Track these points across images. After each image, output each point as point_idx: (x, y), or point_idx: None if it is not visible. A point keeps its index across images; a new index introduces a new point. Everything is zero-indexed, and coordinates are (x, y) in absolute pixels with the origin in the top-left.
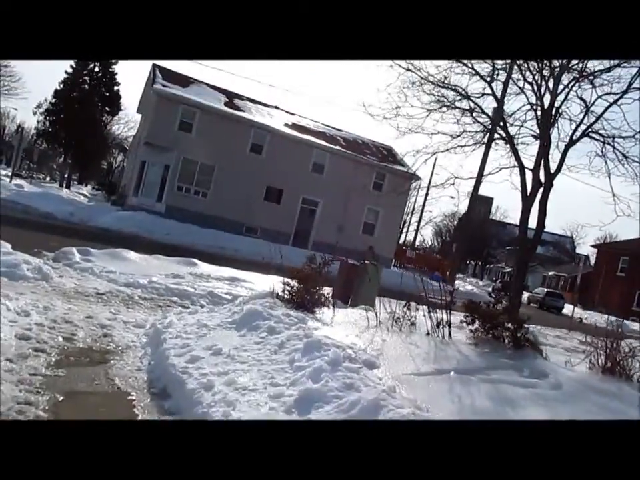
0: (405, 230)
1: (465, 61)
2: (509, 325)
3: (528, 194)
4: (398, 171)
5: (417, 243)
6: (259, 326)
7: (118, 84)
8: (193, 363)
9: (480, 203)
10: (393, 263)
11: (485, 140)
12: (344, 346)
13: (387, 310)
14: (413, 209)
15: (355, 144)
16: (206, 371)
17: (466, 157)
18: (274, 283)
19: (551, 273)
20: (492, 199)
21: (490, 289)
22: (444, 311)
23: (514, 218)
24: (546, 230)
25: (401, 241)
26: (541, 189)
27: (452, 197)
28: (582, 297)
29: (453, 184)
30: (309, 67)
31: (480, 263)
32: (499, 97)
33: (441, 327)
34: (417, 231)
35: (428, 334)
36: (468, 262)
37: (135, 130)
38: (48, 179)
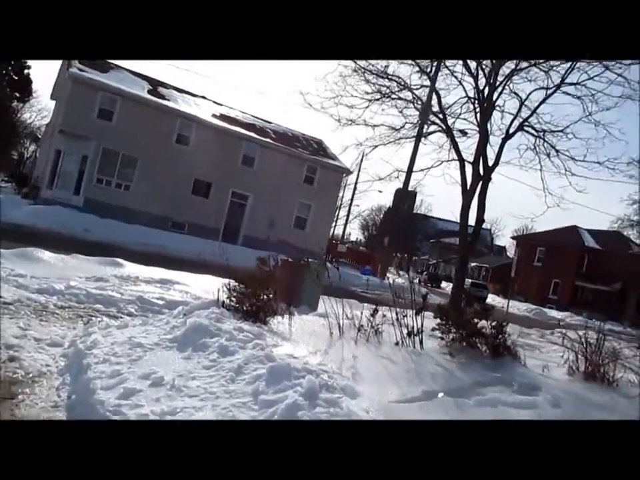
0: (333, 224)
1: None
2: (486, 331)
3: (468, 187)
4: (329, 165)
5: (345, 237)
6: (207, 345)
7: (28, 67)
8: (128, 399)
9: (405, 197)
10: (324, 258)
11: (428, 131)
12: (316, 370)
13: (339, 314)
14: (341, 204)
15: (285, 137)
16: (145, 410)
17: (402, 149)
18: (212, 285)
19: (473, 264)
20: (416, 192)
21: (417, 280)
22: (408, 316)
23: (437, 212)
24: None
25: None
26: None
27: (380, 192)
28: (502, 287)
29: (397, 177)
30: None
31: (406, 255)
32: (436, 88)
33: (411, 335)
34: (345, 224)
35: (397, 344)
36: (394, 255)
37: (48, 119)
38: None
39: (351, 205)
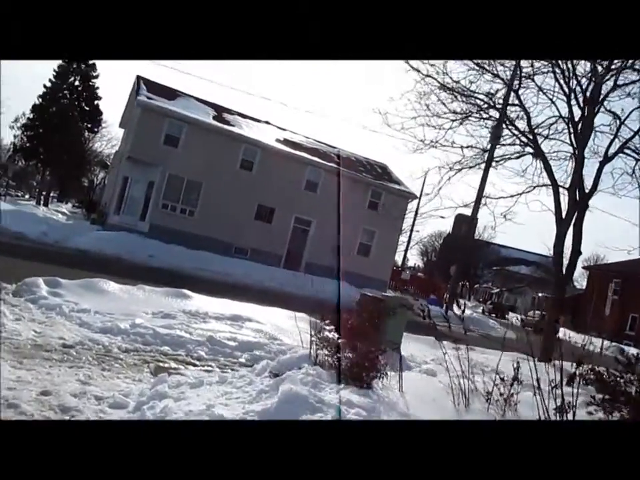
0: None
1: (488, 67)
2: None
3: (563, 215)
4: (394, 190)
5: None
6: None
7: (99, 98)
8: None
9: (465, 223)
10: (388, 286)
11: (519, 153)
12: None
13: (447, 369)
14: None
15: (349, 161)
16: None
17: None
18: (285, 321)
19: (541, 295)
20: (477, 218)
21: (480, 310)
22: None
23: (501, 239)
24: (527, 249)
25: None
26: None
27: (442, 217)
28: (574, 320)
29: (485, 204)
30: (304, 78)
31: (467, 283)
32: (525, 106)
33: (563, 412)
34: (405, 251)
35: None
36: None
37: (117, 147)
38: (27, 196)
39: (412, 231)
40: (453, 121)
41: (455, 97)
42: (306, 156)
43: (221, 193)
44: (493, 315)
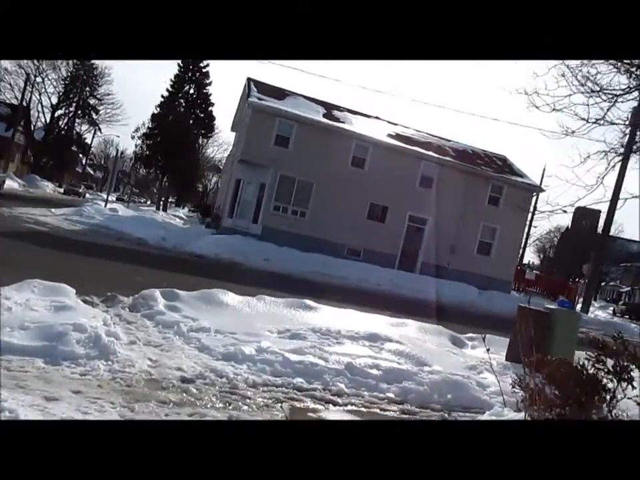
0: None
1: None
2: None
3: None
4: (517, 183)
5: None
6: None
7: (212, 104)
8: None
9: (587, 217)
10: (512, 287)
11: None
12: None
13: None
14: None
15: (466, 154)
16: None
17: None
18: (423, 337)
19: None
20: (600, 211)
21: (611, 311)
22: None
23: (629, 233)
24: None
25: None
26: None
27: (564, 211)
28: None
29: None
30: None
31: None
32: None
33: None
34: (524, 249)
35: None
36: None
37: (228, 152)
38: (149, 202)
39: (530, 226)
40: (617, 95)
41: (618, 68)
42: (419, 150)
43: (333, 193)
44: (627, 317)
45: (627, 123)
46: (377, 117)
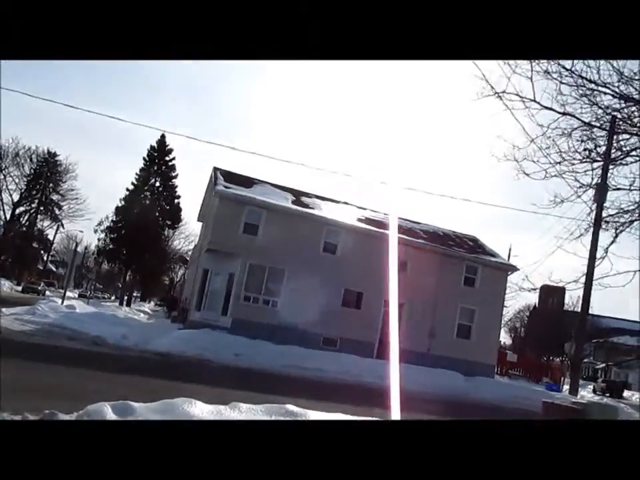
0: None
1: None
2: None
3: None
4: (491, 262)
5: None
6: None
7: (178, 197)
8: None
9: (552, 294)
10: (495, 370)
11: None
12: None
13: None
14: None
15: (437, 236)
16: None
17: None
18: None
19: None
20: (564, 288)
21: (591, 389)
22: None
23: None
24: (628, 318)
25: None
26: None
27: (534, 289)
28: None
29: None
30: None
31: (567, 360)
32: None
33: None
34: (499, 329)
35: None
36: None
37: (194, 244)
38: (113, 297)
39: (502, 306)
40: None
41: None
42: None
43: (305, 280)
44: (607, 395)
45: (592, 199)
46: (345, 202)
